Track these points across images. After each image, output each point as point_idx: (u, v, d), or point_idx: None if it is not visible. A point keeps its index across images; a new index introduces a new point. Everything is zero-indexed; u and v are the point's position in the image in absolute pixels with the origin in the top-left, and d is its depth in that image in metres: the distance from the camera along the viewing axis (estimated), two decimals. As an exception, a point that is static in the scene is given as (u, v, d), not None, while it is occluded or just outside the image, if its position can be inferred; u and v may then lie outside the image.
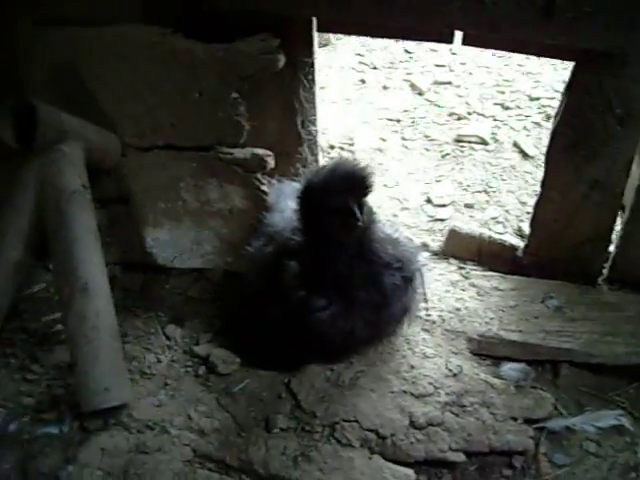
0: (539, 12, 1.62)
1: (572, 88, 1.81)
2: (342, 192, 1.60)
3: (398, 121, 2.90)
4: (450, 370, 1.86)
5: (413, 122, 2.89)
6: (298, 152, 2.08)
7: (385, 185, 2.60)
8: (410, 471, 1.65)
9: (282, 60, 1.88)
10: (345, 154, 2.67)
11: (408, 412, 1.74)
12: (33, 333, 2.01)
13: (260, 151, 1.99)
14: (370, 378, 1.84)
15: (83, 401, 1.72)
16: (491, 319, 1.99)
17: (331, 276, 1.72)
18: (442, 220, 2.41)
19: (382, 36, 1.87)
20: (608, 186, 1.91)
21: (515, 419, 1.76)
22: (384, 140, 2.80)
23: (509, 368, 1.89)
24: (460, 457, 1.68)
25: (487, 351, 1.93)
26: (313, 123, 2.02)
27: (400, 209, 2.49)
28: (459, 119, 2.87)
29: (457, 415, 1.75)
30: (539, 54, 1.81)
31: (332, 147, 2.73)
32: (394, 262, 1.77)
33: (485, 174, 2.63)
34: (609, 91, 1.76)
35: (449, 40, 1.82)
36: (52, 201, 1.77)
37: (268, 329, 1.83)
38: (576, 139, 1.85)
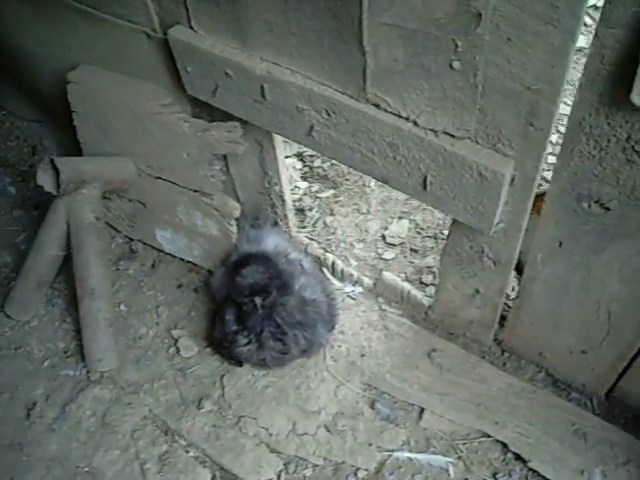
0: (417, 183, 1.88)
1: (452, 232, 2.07)
2: (246, 295, 2.13)
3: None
4: (336, 395, 2.38)
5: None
6: (268, 203, 2.56)
7: (357, 210, 2.80)
8: (281, 462, 2.25)
9: (242, 149, 2.30)
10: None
11: (293, 421, 2.34)
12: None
13: (230, 202, 2.49)
14: (276, 389, 2.40)
15: (87, 365, 2.54)
16: (385, 361, 2.44)
17: (250, 326, 2.32)
18: (386, 260, 2.60)
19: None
20: (488, 296, 2.22)
21: (370, 444, 2.22)
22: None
23: (382, 404, 2.33)
24: (319, 461, 2.25)
25: (373, 385, 2.39)
26: (277, 183, 2.44)
27: (358, 240, 2.69)
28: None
29: (328, 431, 2.29)
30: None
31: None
32: (298, 326, 2.30)
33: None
34: (482, 244, 2.02)
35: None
36: (74, 230, 2.46)
37: (214, 340, 2.50)
38: (460, 261, 2.14)
